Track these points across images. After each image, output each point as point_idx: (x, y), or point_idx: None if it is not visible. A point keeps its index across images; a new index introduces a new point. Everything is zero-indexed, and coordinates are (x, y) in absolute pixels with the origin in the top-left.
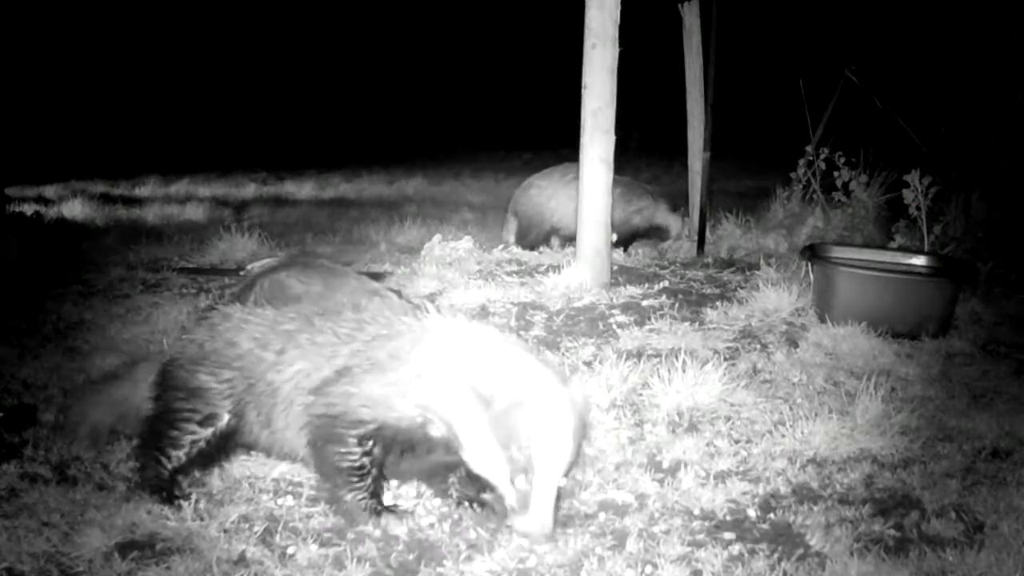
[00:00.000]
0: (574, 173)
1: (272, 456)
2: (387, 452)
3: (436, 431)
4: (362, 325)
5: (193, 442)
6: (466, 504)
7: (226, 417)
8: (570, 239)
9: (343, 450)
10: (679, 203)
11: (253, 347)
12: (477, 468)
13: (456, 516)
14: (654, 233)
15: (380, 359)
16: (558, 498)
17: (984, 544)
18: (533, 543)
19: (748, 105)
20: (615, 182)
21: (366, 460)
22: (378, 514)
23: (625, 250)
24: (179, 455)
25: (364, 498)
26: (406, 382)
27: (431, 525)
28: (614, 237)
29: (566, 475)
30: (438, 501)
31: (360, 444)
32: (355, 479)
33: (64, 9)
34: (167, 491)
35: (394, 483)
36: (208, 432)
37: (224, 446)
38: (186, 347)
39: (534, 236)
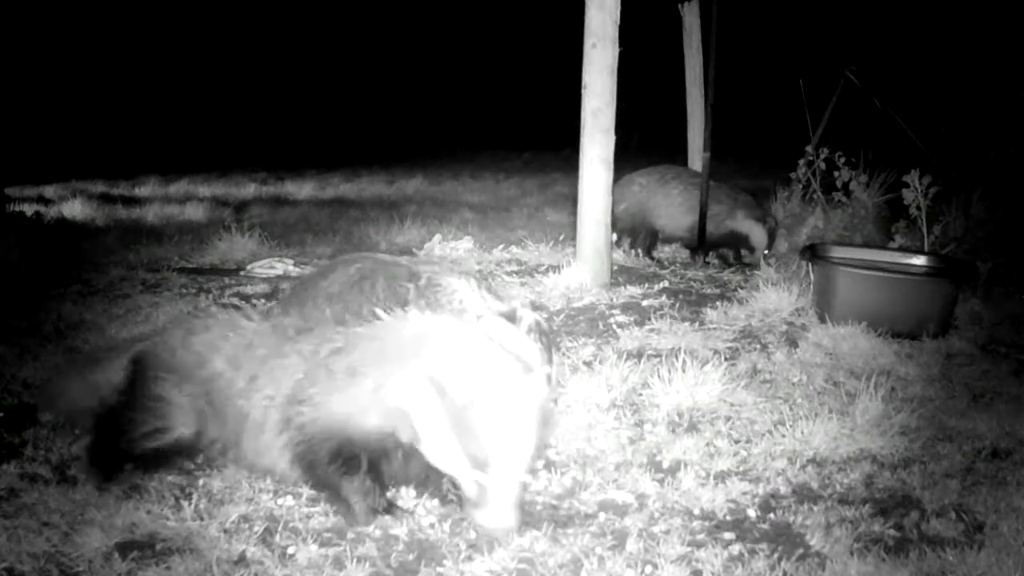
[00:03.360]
0: (673, 173)
1: (241, 468)
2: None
3: (405, 436)
4: (323, 341)
5: (144, 448)
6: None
7: (183, 431)
8: (670, 240)
9: (327, 468)
10: (765, 210)
11: (226, 369)
12: (436, 462)
13: (456, 516)
14: (735, 241)
15: (339, 377)
16: (519, 491)
17: (984, 544)
18: (493, 536)
19: (748, 105)
20: (690, 184)
21: (352, 466)
22: (376, 514)
23: (694, 256)
24: (129, 452)
25: (359, 500)
26: (366, 396)
27: (431, 525)
28: (614, 237)
29: (527, 468)
30: (437, 501)
31: (340, 457)
32: (346, 483)
33: (64, 9)
34: (110, 476)
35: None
36: (161, 442)
37: (182, 453)
38: (158, 349)
39: (642, 237)
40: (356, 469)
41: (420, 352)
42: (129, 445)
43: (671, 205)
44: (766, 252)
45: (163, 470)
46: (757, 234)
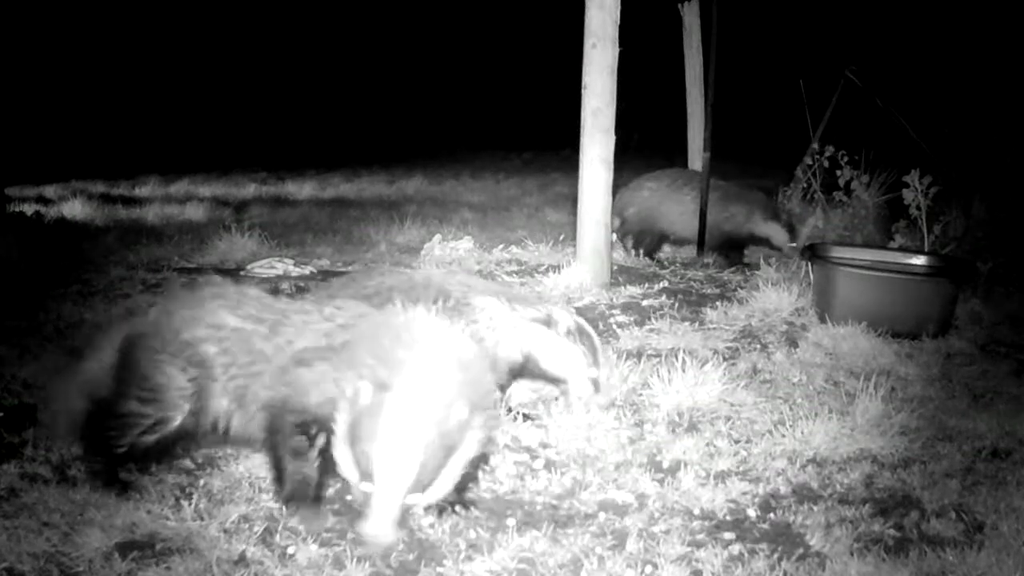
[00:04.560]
0: (683, 179)
1: (230, 445)
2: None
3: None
4: (309, 319)
5: (147, 443)
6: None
7: (185, 417)
8: (681, 243)
9: (288, 437)
10: (779, 206)
11: (218, 354)
12: (338, 464)
13: (456, 516)
14: (756, 242)
15: (310, 351)
16: (406, 511)
17: (984, 544)
18: (372, 549)
19: (748, 105)
20: (715, 186)
21: (306, 442)
22: (317, 501)
23: (719, 254)
24: (131, 453)
25: (301, 478)
26: (338, 366)
27: (431, 525)
28: (615, 237)
29: (422, 491)
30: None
31: (301, 430)
32: (297, 459)
33: (64, 9)
34: (111, 478)
35: None
36: (163, 433)
37: (186, 439)
38: (151, 328)
39: (649, 241)
40: (303, 454)
41: (357, 343)
42: (131, 446)
43: (685, 212)
44: (793, 245)
45: (166, 460)
46: (775, 233)
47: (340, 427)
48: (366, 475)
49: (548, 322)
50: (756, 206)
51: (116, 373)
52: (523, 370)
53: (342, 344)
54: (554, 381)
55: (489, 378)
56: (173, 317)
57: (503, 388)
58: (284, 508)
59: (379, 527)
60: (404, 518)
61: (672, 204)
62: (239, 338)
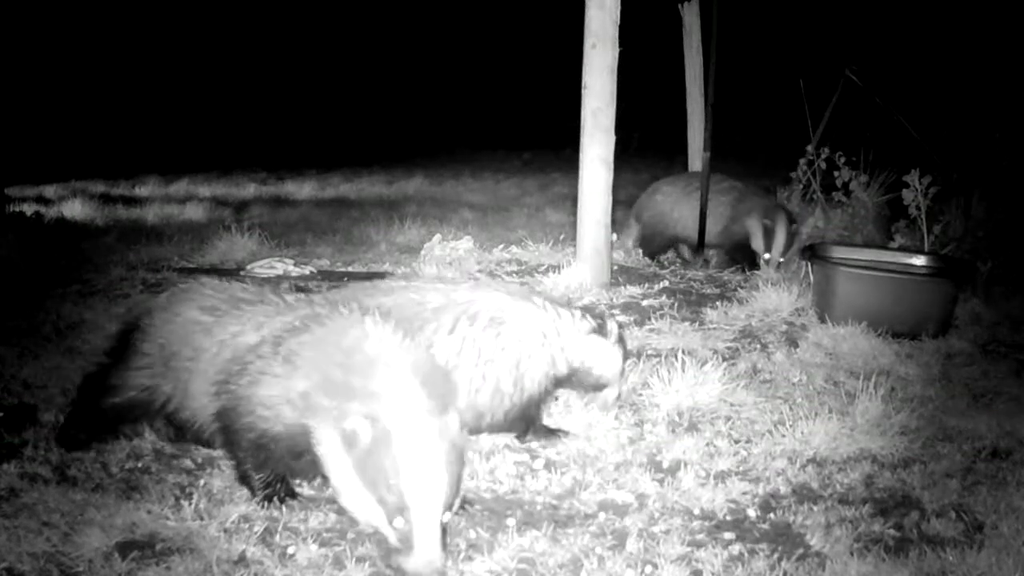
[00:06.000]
0: (697, 182)
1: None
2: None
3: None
4: (272, 314)
5: (127, 400)
6: None
7: (136, 393)
8: (694, 247)
9: (248, 436)
10: (778, 212)
11: (182, 348)
12: (353, 513)
13: (456, 516)
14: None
15: (275, 361)
16: (444, 533)
17: (984, 544)
18: None
19: (748, 105)
20: (725, 189)
21: (264, 445)
22: (281, 500)
23: (729, 257)
24: (111, 412)
25: (259, 488)
26: (295, 392)
27: None
28: (614, 237)
29: (450, 508)
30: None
31: (260, 438)
32: (252, 472)
33: (64, 9)
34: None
35: None
36: (122, 397)
37: (137, 408)
38: (147, 314)
39: (658, 243)
40: (264, 466)
41: (334, 371)
42: (112, 405)
43: (696, 215)
44: (766, 257)
45: (129, 424)
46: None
47: (343, 471)
48: (396, 510)
49: (603, 331)
50: (754, 209)
51: (110, 347)
52: (568, 380)
53: (288, 356)
54: (596, 388)
55: (452, 379)
56: (152, 306)
57: (546, 399)
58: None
59: (430, 558)
60: (445, 540)
61: (684, 208)
62: (184, 330)
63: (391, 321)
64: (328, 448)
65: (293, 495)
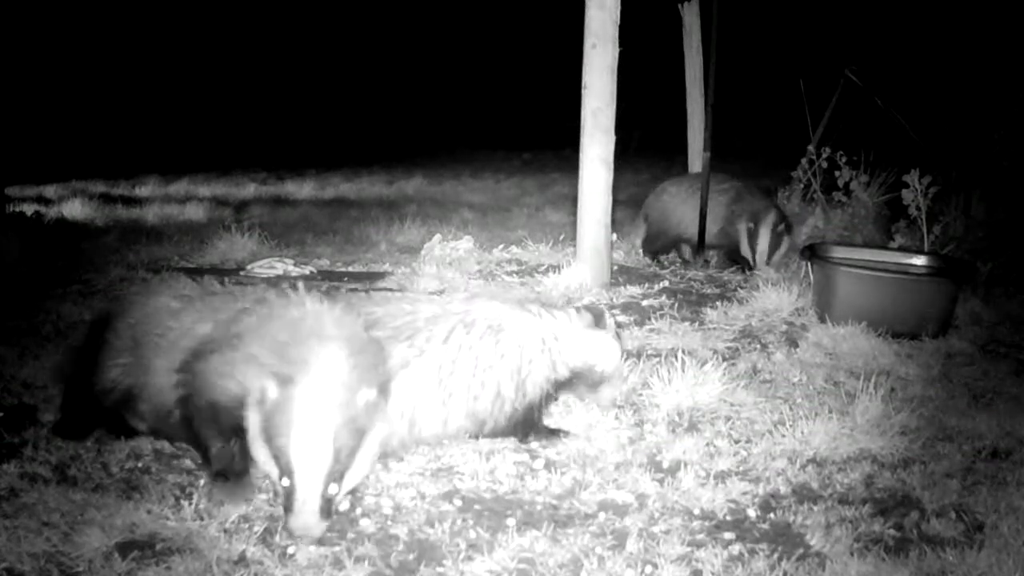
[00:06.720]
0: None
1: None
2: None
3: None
4: (228, 303)
5: (111, 384)
6: None
7: (113, 374)
8: (695, 248)
9: (204, 423)
10: (765, 215)
11: (151, 327)
12: (258, 465)
13: (456, 516)
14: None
15: (225, 338)
16: (330, 502)
17: (984, 544)
18: (301, 543)
19: (748, 105)
20: (723, 190)
21: (222, 430)
22: (234, 477)
23: (728, 257)
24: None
25: (227, 465)
26: (240, 361)
27: (431, 525)
28: (614, 237)
29: (338, 480)
30: (437, 498)
31: (217, 417)
32: (212, 447)
33: (64, 9)
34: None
35: (391, 483)
36: (127, 384)
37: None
38: (117, 307)
39: (661, 243)
40: (217, 439)
41: (269, 336)
42: (99, 390)
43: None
44: (750, 265)
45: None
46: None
47: (252, 427)
48: (285, 470)
49: (600, 324)
50: (741, 213)
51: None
52: (568, 384)
53: (237, 334)
54: (596, 385)
55: (385, 359)
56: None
57: (550, 400)
58: (212, 484)
59: (305, 520)
60: (327, 508)
61: (689, 208)
62: (155, 313)
63: (341, 304)
64: (247, 404)
65: (246, 471)
